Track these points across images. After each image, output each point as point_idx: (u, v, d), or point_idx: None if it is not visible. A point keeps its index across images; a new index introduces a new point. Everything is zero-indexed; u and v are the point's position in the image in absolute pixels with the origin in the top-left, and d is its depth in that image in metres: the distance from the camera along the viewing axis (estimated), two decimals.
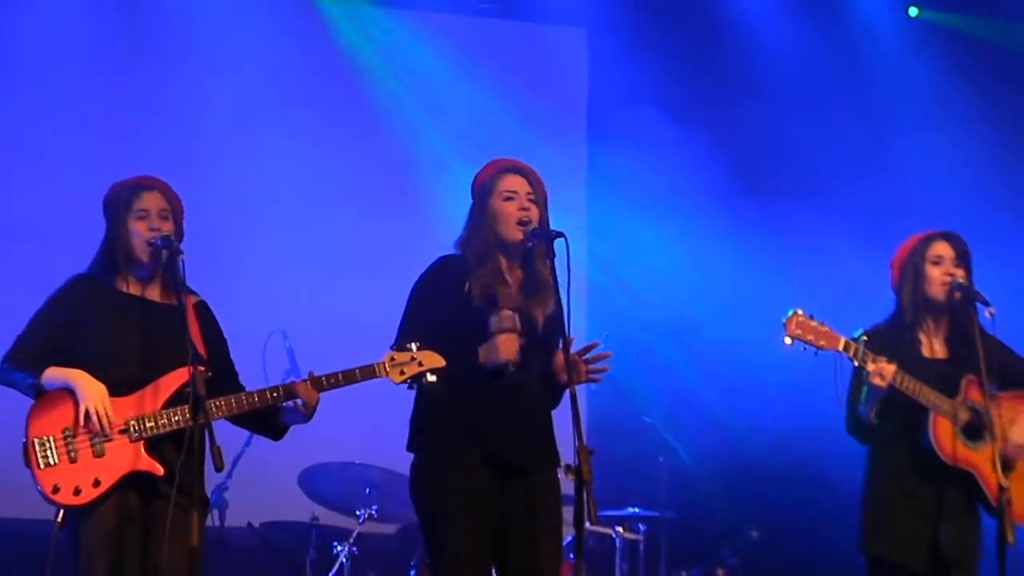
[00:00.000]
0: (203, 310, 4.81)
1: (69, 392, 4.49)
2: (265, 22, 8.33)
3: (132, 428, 4.50)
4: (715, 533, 7.96)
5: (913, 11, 8.87)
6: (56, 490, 4.43)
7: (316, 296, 7.91)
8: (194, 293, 4.79)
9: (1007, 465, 5.02)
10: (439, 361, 4.61)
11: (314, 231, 8.15)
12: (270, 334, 7.11)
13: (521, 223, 4.69)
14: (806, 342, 4.86)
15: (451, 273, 4.72)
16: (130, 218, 4.67)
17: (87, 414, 4.45)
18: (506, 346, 4.57)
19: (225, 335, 4.88)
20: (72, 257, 4.85)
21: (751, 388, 8.16)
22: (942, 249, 5.19)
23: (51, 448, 4.45)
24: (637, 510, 7.52)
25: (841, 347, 4.90)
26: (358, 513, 6.92)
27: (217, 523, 6.89)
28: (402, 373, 4.62)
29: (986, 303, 5.09)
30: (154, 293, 4.73)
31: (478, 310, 4.62)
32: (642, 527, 7.51)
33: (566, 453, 4.55)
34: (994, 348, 5.15)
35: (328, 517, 7.17)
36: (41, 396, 4.53)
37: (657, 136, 8.37)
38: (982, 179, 8.26)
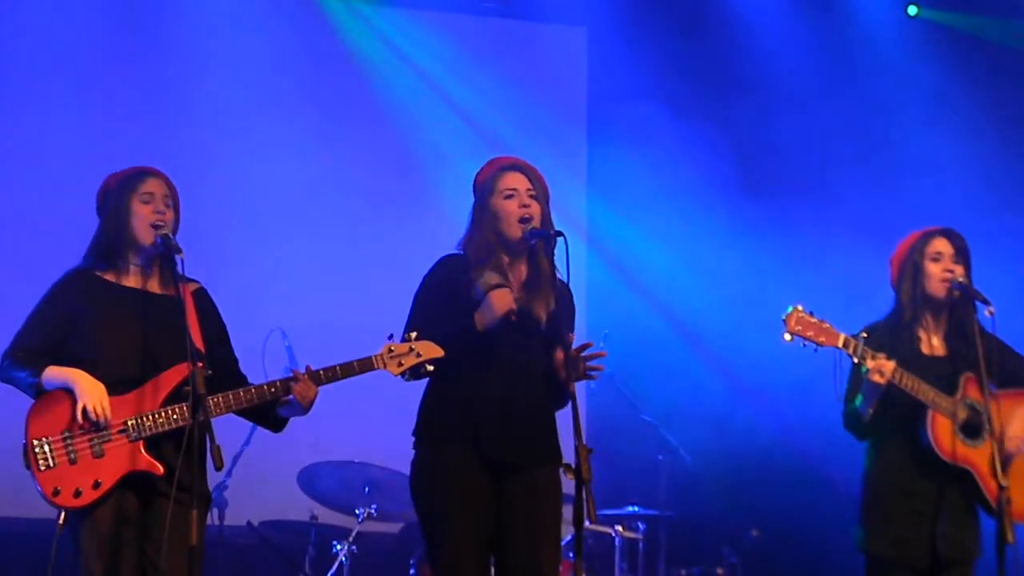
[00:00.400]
0: (202, 297, 4.78)
1: (68, 392, 4.48)
2: (265, 20, 8.32)
3: (131, 427, 4.48)
4: (715, 532, 7.97)
5: (912, 10, 8.87)
6: (56, 492, 4.42)
7: (316, 295, 7.91)
8: (191, 281, 4.75)
9: (1004, 461, 5.02)
10: (437, 351, 4.61)
11: (314, 229, 8.15)
12: (270, 332, 7.10)
13: (522, 220, 4.70)
14: (806, 338, 4.86)
15: (454, 272, 4.73)
16: (134, 200, 4.63)
17: (85, 414, 4.43)
18: (500, 299, 4.58)
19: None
20: (71, 252, 4.83)
21: (751, 387, 8.16)
22: (941, 245, 5.19)
23: (50, 450, 4.44)
24: (636, 509, 7.52)
25: (840, 343, 4.90)
26: (357, 512, 6.92)
27: (216, 522, 6.89)
28: (400, 364, 4.62)
29: (986, 302, 5.09)
30: (153, 284, 4.70)
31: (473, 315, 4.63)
32: (641, 526, 7.51)
33: (566, 451, 4.55)
34: (993, 347, 5.15)
35: (327, 516, 7.18)
36: (41, 395, 4.52)
37: (657, 134, 8.37)
38: (982, 177, 8.26)
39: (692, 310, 8.36)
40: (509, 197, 4.74)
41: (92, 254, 4.70)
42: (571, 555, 6.51)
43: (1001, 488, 4.91)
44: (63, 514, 4.52)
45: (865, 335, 4.98)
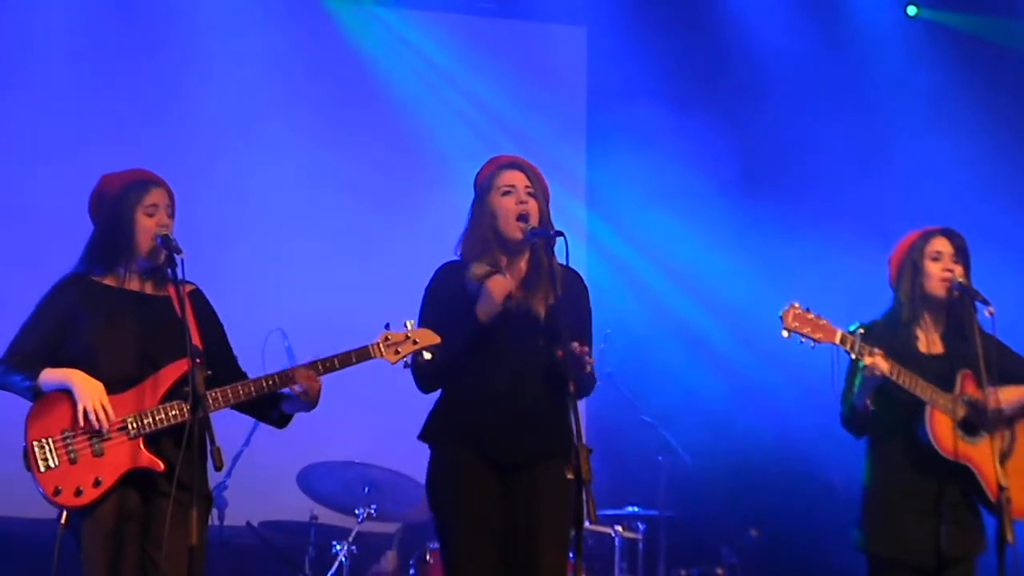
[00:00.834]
0: (197, 297, 4.79)
1: (66, 393, 4.49)
2: (264, 20, 8.32)
3: (130, 425, 4.49)
4: (714, 532, 7.96)
5: (912, 10, 8.88)
6: (57, 492, 4.43)
7: (315, 295, 7.90)
8: (186, 283, 4.75)
9: (1004, 455, 5.03)
10: (434, 338, 4.62)
11: (313, 229, 8.15)
12: (269, 333, 7.11)
13: (520, 218, 4.71)
14: (803, 335, 4.86)
15: (452, 278, 4.76)
16: (139, 212, 4.64)
17: (85, 413, 4.44)
18: (496, 286, 4.60)
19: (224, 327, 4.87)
20: (70, 255, 4.83)
21: (751, 388, 8.16)
22: (941, 245, 5.19)
23: (50, 450, 4.45)
24: (636, 509, 7.52)
25: (838, 340, 4.91)
26: (357, 512, 6.92)
27: (216, 522, 6.89)
28: (397, 352, 4.63)
29: (985, 302, 5.09)
30: (149, 286, 4.71)
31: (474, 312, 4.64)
32: (641, 526, 7.51)
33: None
34: (992, 346, 5.15)
35: (327, 516, 7.18)
36: (39, 398, 4.52)
37: (656, 134, 8.36)
38: (982, 176, 8.26)
39: (692, 310, 8.36)
40: (507, 194, 4.75)
41: (88, 259, 4.70)
42: (571, 555, 6.51)
43: (1001, 488, 4.91)
44: (64, 514, 4.51)
45: (862, 331, 4.98)
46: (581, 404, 4.42)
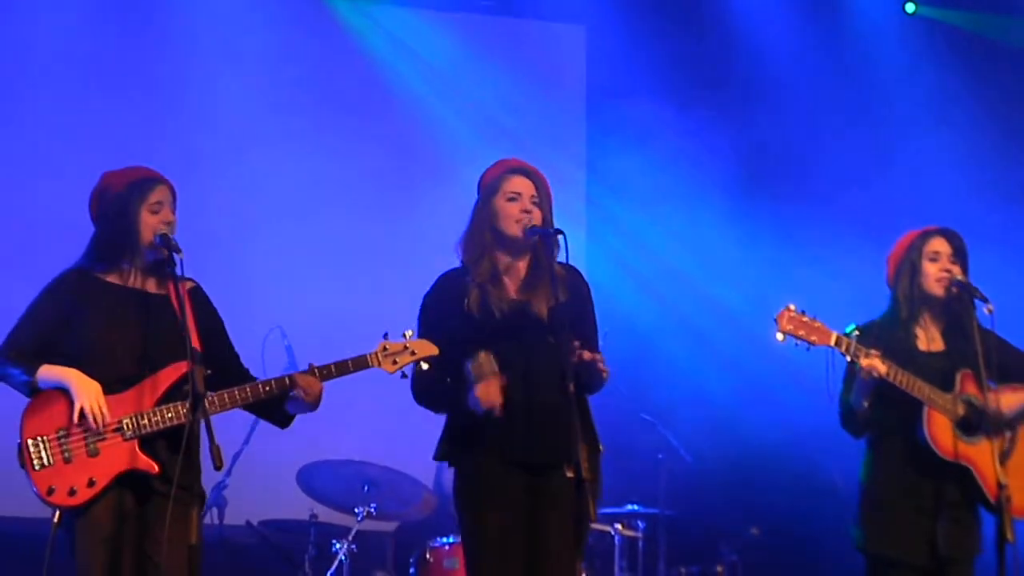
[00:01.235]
0: (197, 294, 4.78)
1: (63, 391, 4.48)
2: (264, 19, 8.31)
3: (126, 426, 4.48)
4: (714, 530, 7.96)
5: (910, 7, 8.87)
6: (51, 491, 4.42)
7: (315, 293, 7.90)
8: (186, 280, 4.73)
9: (1004, 455, 5.02)
10: (432, 349, 4.63)
11: (313, 228, 8.14)
12: (269, 331, 7.11)
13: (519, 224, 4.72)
14: (798, 337, 4.85)
15: (451, 289, 4.76)
16: (144, 210, 4.62)
17: (81, 413, 4.43)
18: (485, 394, 4.57)
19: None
20: (70, 251, 4.83)
21: (751, 386, 8.15)
22: (939, 245, 5.19)
23: (45, 449, 4.44)
24: (636, 507, 7.52)
25: (833, 342, 4.90)
26: (357, 511, 6.92)
27: (216, 521, 6.89)
28: (395, 363, 4.64)
29: (984, 300, 5.09)
30: (149, 284, 4.70)
31: (478, 322, 4.65)
32: (641, 524, 7.51)
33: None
34: (992, 343, 5.14)
35: (327, 515, 7.17)
36: (35, 394, 4.52)
37: (656, 132, 8.36)
38: (981, 174, 8.25)
39: (691, 309, 8.36)
40: (512, 200, 4.76)
41: (91, 255, 4.69)
42: None
43: (1001, 486, 4.91)
44: (58, 514, 4.50)
45: (857, 333, 4.98)
46: None
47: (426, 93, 8.48)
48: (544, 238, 4.71)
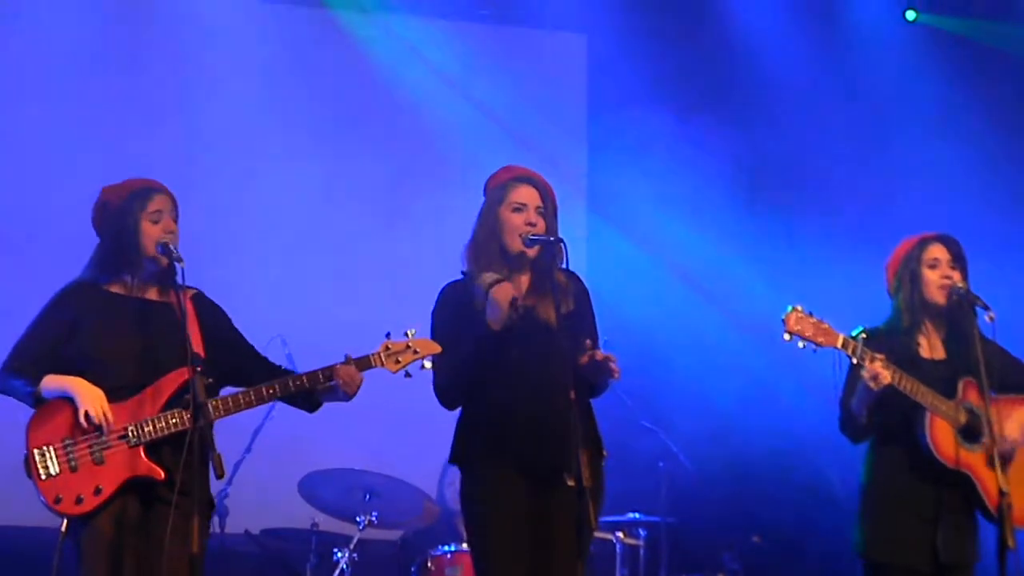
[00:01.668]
0: (200, 301, 4.81)
1: (68, 400, 4.49)
2: (268, 31, 8.34)
3: (131, 433, 4.50)
4: (716, 538, 7.95)
5: (911, 15, 8.89)
6: (58, 500, 4.44)
7: (316, 302, 7.91)
8: (188, 288, 4.76)
9: (1002, 463, 5.01)
10: (434, 348, 4.63)
11: (314, 237, 8.16)
12: (270, 340, 7.09)
13: (520, 236, 4.73)
14: (804, 338, 4.85)
15: (455, 297, 4.77)
16: (144, 220, 4.66)
17: (87, 417, 4.45)
18: (500, 293, 4.59)
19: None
20: (72, 262, 4.84)
21: (752, 394, 8.15)
22: (938, 252, 5.19)
23: (51, 458, 4.46)
24: (637, 515, 7.51)
25: (839, 344, 4.90)
26: (358, 519, 6.91)
27: (217, 530, 6.88)
28: (397, 362, 4.64)
29: (986, 307, 5.09)
30: (151, 293, 4.73)
31: (484, 323, 4.63)
32: (643, 532, 7.50)
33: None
34: (995, 352, 5.15)
35: (328, 524, 7.16)
36: (40, 404, 4.53)
37: (657, 141, 8.37)
38: (982, 182, 8.25)
39: (693, 316, 8.35)
40: (517, 211, 4.77)
41: (95, 267, 4.73)
42: None
43: (1002, 494, 4.90)
44: (65, 523, 4.52)
45: (864, 335, 4.98)
46: None
47: (427, 101, 8.48)
48: (545, 247, 4.71)
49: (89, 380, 4.51)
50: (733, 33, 8.73)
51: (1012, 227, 8.03)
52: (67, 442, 4.47)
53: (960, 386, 5.08)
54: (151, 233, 4.65)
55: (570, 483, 4.34)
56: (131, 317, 4.64)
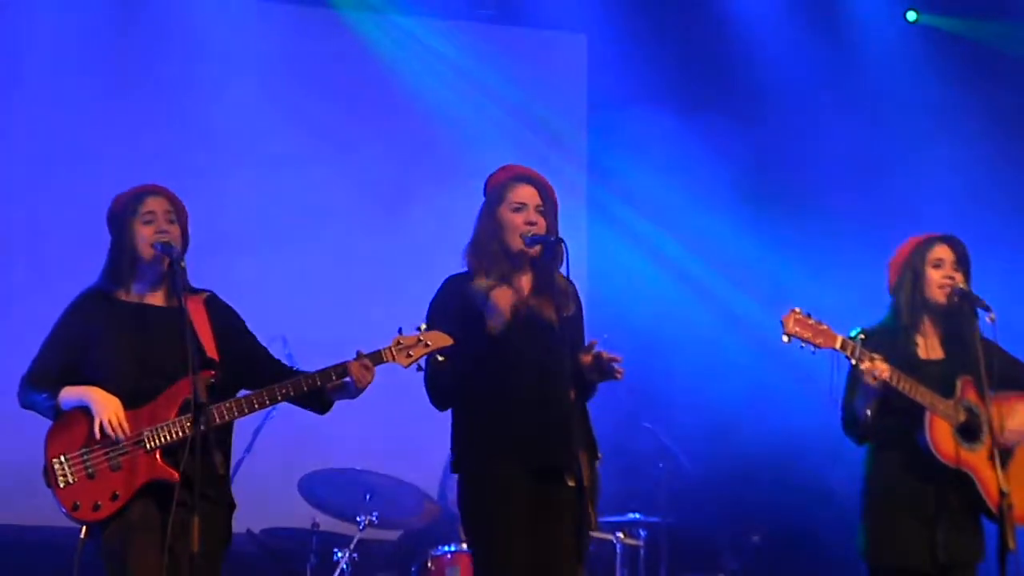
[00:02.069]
0: (213, 304, 4.83)
1: (84, 410, 4.53)
2: (270, 32, 8.34)
3: (147, 438, 4.53)
4: (716, 539, 7.96)
5: (911, 15, 8.89)
6: (76, 507, 4.48)
7: (318, 302, 7.91)
8: (201, 291, 4.80)
9: (1003, 456, 5.02)
10: (446, 340, 4.62)
11: (315, 237, 8.15)
12: (271, 340, 7.09)
13: (521, 236, 4.74)
14: (803, 339, 4.86)
15: (456, 290, 4.77)
16: (136, 222, 4.69)
17: (103, 428, 4.48)
18: (501, 297, 4.61)
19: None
20: (85, 257, 4.87)
21: (752, 394, 8.15)
22: (942, 252, 5.20)
23: (69, 466, 4.50)
24: (638, 515, 7.51)
25: (838, 345, 4.91)
26: (358, 519, 6.91)
27: None
28: (409, 356, 4.63)
29: (987, 308, 5.09)
30: (158, 298, 4.75)
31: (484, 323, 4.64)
32: (643, 532, 7.50)
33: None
34: (994, 353, 5.15)
35: (328, 523, 7.16)
36: (59, 416, 4.58)
37: (656, 141, 8.37)
38: (984, 182, 8.25)
39: (693, 316, 8.35)
40: (517, 210, 4.77)
41: (104, 275, 4.77)
42: None
43: (1003, 494, 4.91)
44: (84, 528, 4.56)
45: (863, 337, 4.98)
46: None
47: (428, 102, 8.48)
48: (546, 246, 4.72)
49: (104, 388, 4.55)
50: (733, 33, 8.73)
51: (1013, 227, 8.03)
52: (84, 450, 4.51)
53: (958, 385, 5.09)
54: (143, 235, 4.68)
55: (570, 483, 4.33)
56: (140, 324, 4.67)
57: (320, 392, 4.72)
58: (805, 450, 7.73)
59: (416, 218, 8.05)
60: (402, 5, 8.59)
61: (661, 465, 7.77)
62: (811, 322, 4.88)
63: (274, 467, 7.17)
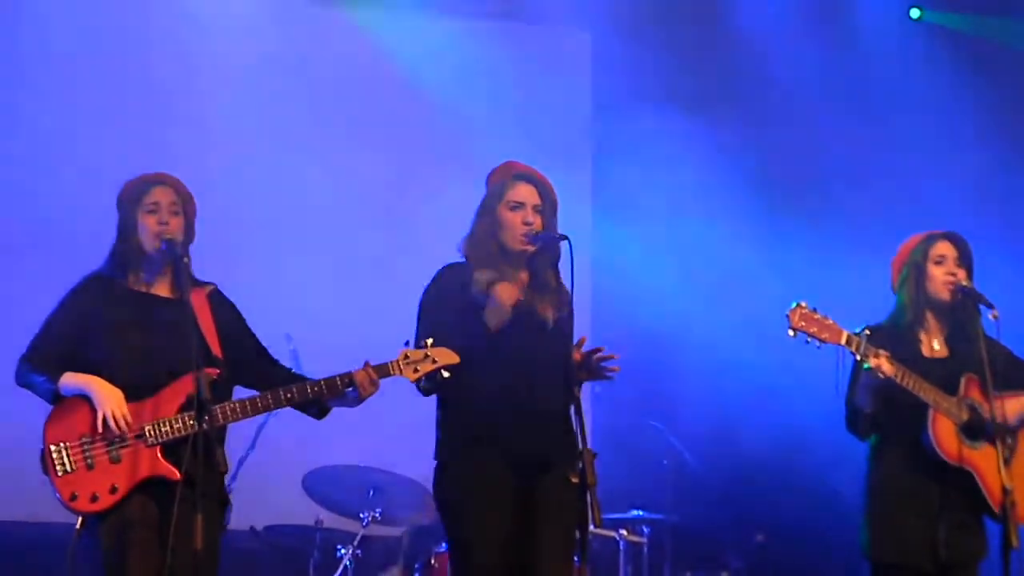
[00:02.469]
0: (217, 298, 4.83)
1: (86, 398, 4.51)
2: (275, 28, 8.34)
3: (148, 433, 4.52)
4: (719, 537, 7.96)
5: (915, 12, 8.88)
6: (74, 497, 4.46)
7: (322, 300, 7.91)
8: (205, 284, 4.80)
9: (1007, 452, 5.01)
10: (453, 357, 4.62)
11: (319, 233, 8.16)
12: (275, 339, 7.09)
13: (524, 235, 4.74)
14: (809, 334, 4.86)
15: (456, 280, 4.76)
16: (140, 212, 4.69)
17: (104, 420, 4.47)
18: (503, 293, 4.61)
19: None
20: (87, 256, 4.86)
21: (756, 392, 8.14)
22: (944, 249, 5.20)
23: (68, 455, 4.48)
24: (641, 513, 7.50)
25: (843, 340, 4.91)
26: (362, 516, 6.92)
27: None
28: (416, 371, 4.64)
29: (990, 305, 5.09)
30: (165, 290, 4.75)
31: (483, 311, 4.63)
32: (646, 530, 7.50)
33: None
34: (998, 351, 5.15)
35: (332, 520, 7.17)
36: (58, 401, 4.56)
37: (661, 139, 8.37)
38: (989, 180, 8.25)
39: (697, 315, 8.34)
40: (515, 209, 4.77)
41: (109, 261, 4.76)
42: (576, 559, 6.50)
43: (1006, 492, 4.90)
44: (80, 520, 4.54)
45: (868, 332, 4.98)
46: (586, 408, 4.43)
47: (432, 99, 8.47)
48: (546, 245, 4.72)
49: (106, 378, 4.53)
50: (737, 30, 8.71)
51: (1020, 223, 8.02)
52: (84, 440, 4.49)
53: (962, 383, 5.09)
54: (147, 225, 4.68)
55: (573, 480, 4.33)
56: (145, 315, 4.66)
57: (320, 399, 4.73)
58: (810, 448, 7.72)
59: (420, 215, 8.04)
60: (406, 2, 8.58)
61: (665, 462, 7.78)
62: (817, 317, 4.88)
63: (278, 464, 7.16)
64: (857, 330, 5.00)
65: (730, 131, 8.50)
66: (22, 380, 4.64)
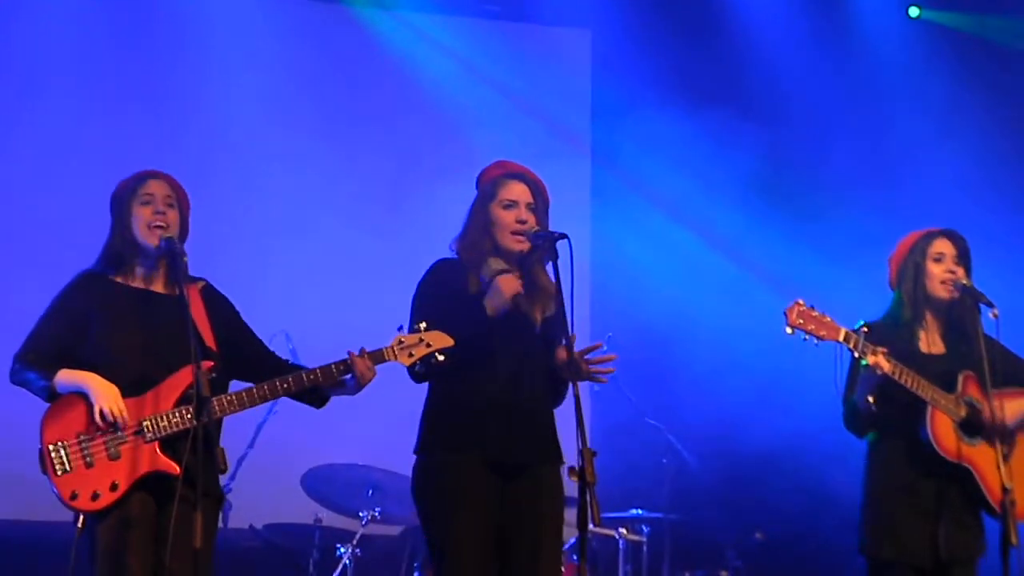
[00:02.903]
0: (209, 293, 4.82)
1: (82, 396, 4.50)
2: (275, 30, 8.35)
3: (146, 428, 4.51)
4: (719, 535, 7.95)
5: (914, 11, 8.88)
6: (74, 496, 4.44)
7: (320, 297, 7.91)
8: (197, 280, 4.79)
9: (1006, 450, 5.01)
10: (447, 340, 4.62)
11: (318, 232, 8.16)
12: (273, 335, 7.08)
13: (516, 233, 4.74)
14: (807, 332, 4.86)
15: (449, 275, 4.78)
16: (135, 203, 4.68)
17: (102, 416, 4.45)
18: (506, 283, 4.61)
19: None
20: (87, 256, 4.85)
21: (755, 390, 8.14)
22: (943, 246, 5.20)
23: (66, 454, 4.46)
24: (640, 512, 7.51)
25: (841, 337, 4.90)
26: (361, 515, 6.92)
27: (221, 525, 6.86)
28: (411, 355, 4.64)
29: (989, 304, 5.09)
30: (159, 286, 4.74)
31: (478, 307, 4.64)
32: (645, 529, 7.50)
33: (569, 453, 4.55)
34: (997, 350, 5.15)
35: (331, 519, 7.17)
36: (54, 399, 4.54)
37: (661, 137, 8.37)
38: (989, 179, 8.24)
39: (697, 313, 8.35)
40: (508, 207, 4.78)
41: (102, 258, 4.74)
42: (575, 558, 6.50)
43: (1005, 490, 4.90)
44: (81, 519, 4.53)
45: (866, 329, 4.98)
46: (585, 407, 4.43)
47: (432, 98, 8.49)
48: (541, 244, 4.72)
49: (102, 375, 4.51)
50: (737, 29, 8.73)
51: (1017, 222, 8.02)
52: (82, 438, 4.48)
53: (960, 380, 5.08)
54: (142, 215, 4.67)
55: (573, 478, 4.33)
56: (140, 311, 4.65)
57: (319, 387, 4.72)
58: (809, 447, 7.72)
59: (419, 214, 8.04)
60: (406, 1, 8.59)
61: (665, 461, 7.78)
62: (814, 314, 4.88)
63: (277, 462, 7.17)
64: (855, 326, 5.00)
65: (730, 130, 8.50)
66: (17, 378, 4.62)
